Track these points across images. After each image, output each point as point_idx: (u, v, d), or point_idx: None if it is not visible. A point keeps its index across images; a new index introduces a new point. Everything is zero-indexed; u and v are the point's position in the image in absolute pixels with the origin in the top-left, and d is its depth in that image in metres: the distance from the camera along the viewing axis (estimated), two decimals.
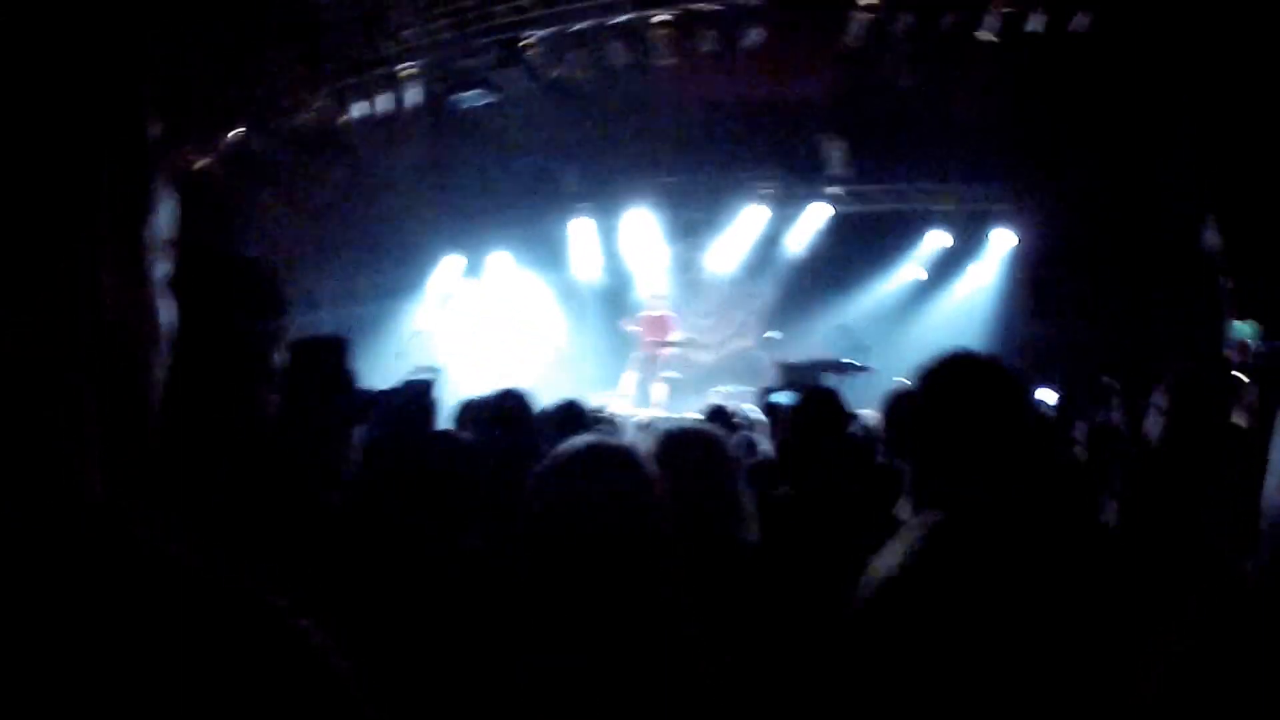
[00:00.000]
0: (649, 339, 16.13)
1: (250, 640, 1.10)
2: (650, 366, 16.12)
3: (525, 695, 2.36)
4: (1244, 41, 9.18)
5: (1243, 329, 10.34)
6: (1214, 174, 10.59)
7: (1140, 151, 11.97)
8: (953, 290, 16.48)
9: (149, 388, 1.10)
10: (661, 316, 16.30)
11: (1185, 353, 10.38)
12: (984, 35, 10.54)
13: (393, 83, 12.51)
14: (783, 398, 10.26)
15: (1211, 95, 10.03)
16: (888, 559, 1.77)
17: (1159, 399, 4.16)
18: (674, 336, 16.23)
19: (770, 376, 15.63)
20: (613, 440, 2.78)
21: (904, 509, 2.70)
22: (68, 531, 1.14)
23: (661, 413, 14.62)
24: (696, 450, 3.33)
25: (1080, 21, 9.92)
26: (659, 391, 15.92)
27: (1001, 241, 16.08)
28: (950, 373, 2.61)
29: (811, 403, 4.71)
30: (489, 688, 2.40)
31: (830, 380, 13.90)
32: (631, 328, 16.27)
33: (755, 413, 10.68)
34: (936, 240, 16.46)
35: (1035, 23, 10.16)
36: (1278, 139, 9.45)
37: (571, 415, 5.55)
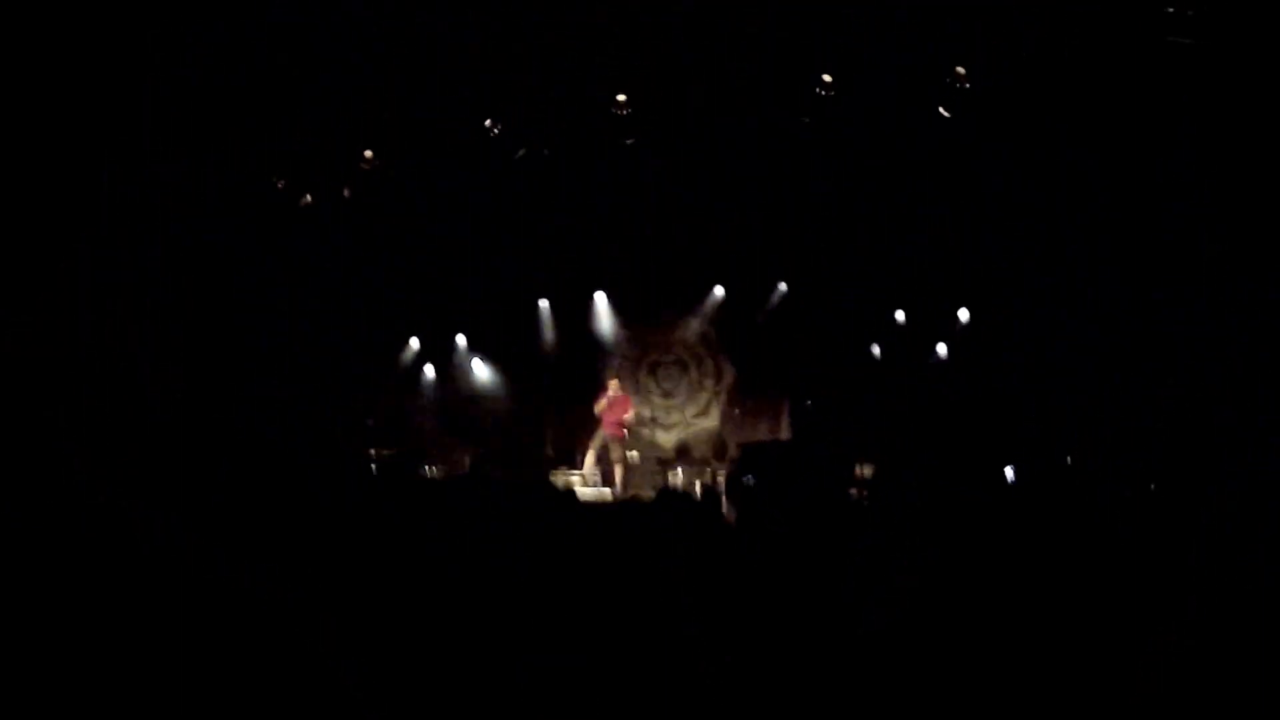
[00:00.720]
0: (608, 420, 16.19)
1: (250, 639, 1.16)
2: (610, 447, 16.16)
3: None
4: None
5: None
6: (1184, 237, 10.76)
7: (1091, 217, 12.17)
8: (916, 365, 16.50)
9: (149, 389, 1.16)
10: (619, 398, 16.38)
11: (1151, 429, 10.47)
12: (943, 112, 10.76)
13: (356, 167, 12.58)
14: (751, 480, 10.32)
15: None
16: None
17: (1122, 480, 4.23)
18: (630, 417, 16.30)
19: (733, 456, 15.69)
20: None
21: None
22: (68, 531, 1.17)
23: (620, 493, 14.65)
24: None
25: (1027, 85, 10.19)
26: (618, 472, 15.92)
27: (960, 316, 16.22)
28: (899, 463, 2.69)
29: (769, 480, 4.66)
30: (490, 687, 2.38)
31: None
32: (597, 409, 16.36)
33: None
34: (898, 316, 16.53)
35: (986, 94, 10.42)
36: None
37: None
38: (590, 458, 16.15)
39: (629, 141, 13.21)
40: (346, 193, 12.64)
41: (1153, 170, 10.38)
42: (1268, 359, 9.01)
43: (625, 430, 16.22)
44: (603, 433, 16.24)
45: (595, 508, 7.44)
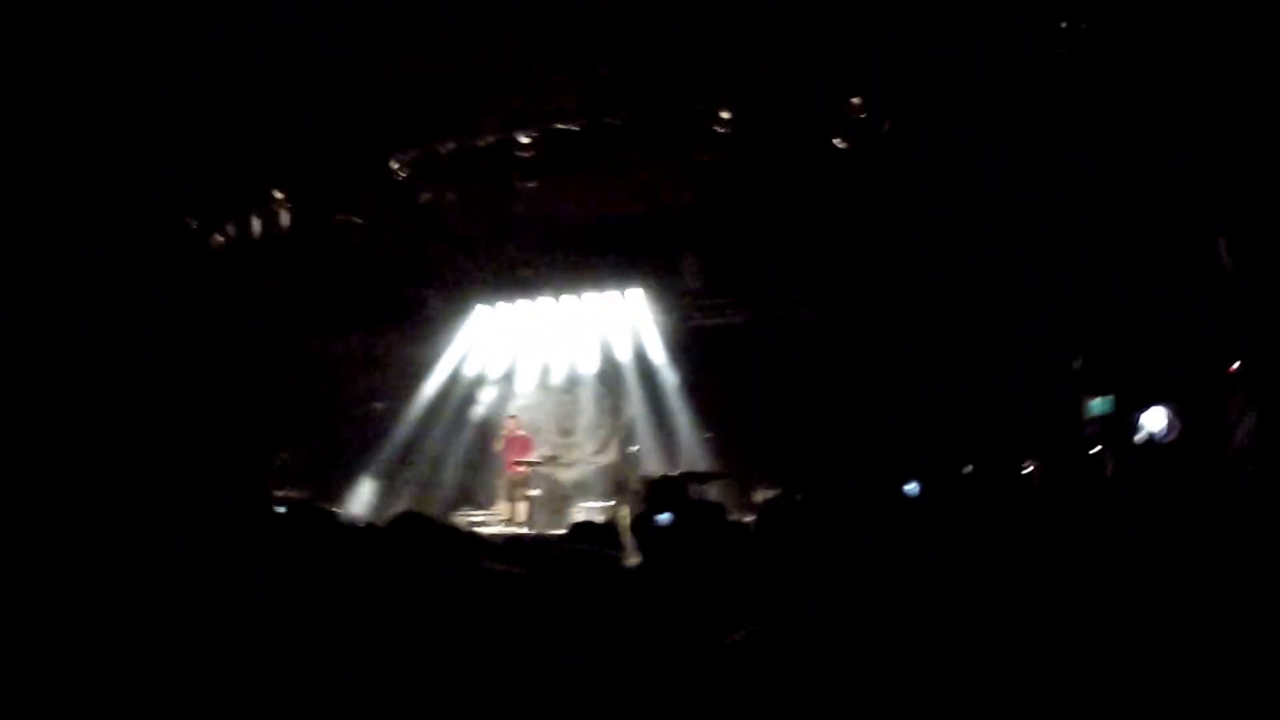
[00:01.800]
0: (510, 459, 16.41)
1: (250, 639, 1.11)
2: (513, 486, 16.36)
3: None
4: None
5: (1098, 405, 10.90)
6: (1062, 253, 11.09)
7: (976, 233, 12.47)
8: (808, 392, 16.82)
9: (148, 388, 1.05)
10: (521, 437, 16.61)
11: (1045, 436, 10.77)
12: (839, 143, 11.15)
13: (265, 205, 12.57)
14: (664, 518, 10.47)
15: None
16: None
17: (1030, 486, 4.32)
18: (533, 456, 16.50)
19: (635, 491, 15.88)
20: None
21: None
22: (67, 532, 1.16)
23: (525, 531, 14.75)
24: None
25: (935, 126, 10.56)
26: (520, 511, 16.14)
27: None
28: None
29: (695, 516, 4.85)
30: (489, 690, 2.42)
31: (695, 491, 14.22)
32: (496, 449, 16.52)
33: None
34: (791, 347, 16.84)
35: (888, 127, 10.79)
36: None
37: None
38: (502, 497, 16.37)
39: (529, 184, 13.44)
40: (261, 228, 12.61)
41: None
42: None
43: (525, 469, 16.45)
44: (505, 472, 16.49)
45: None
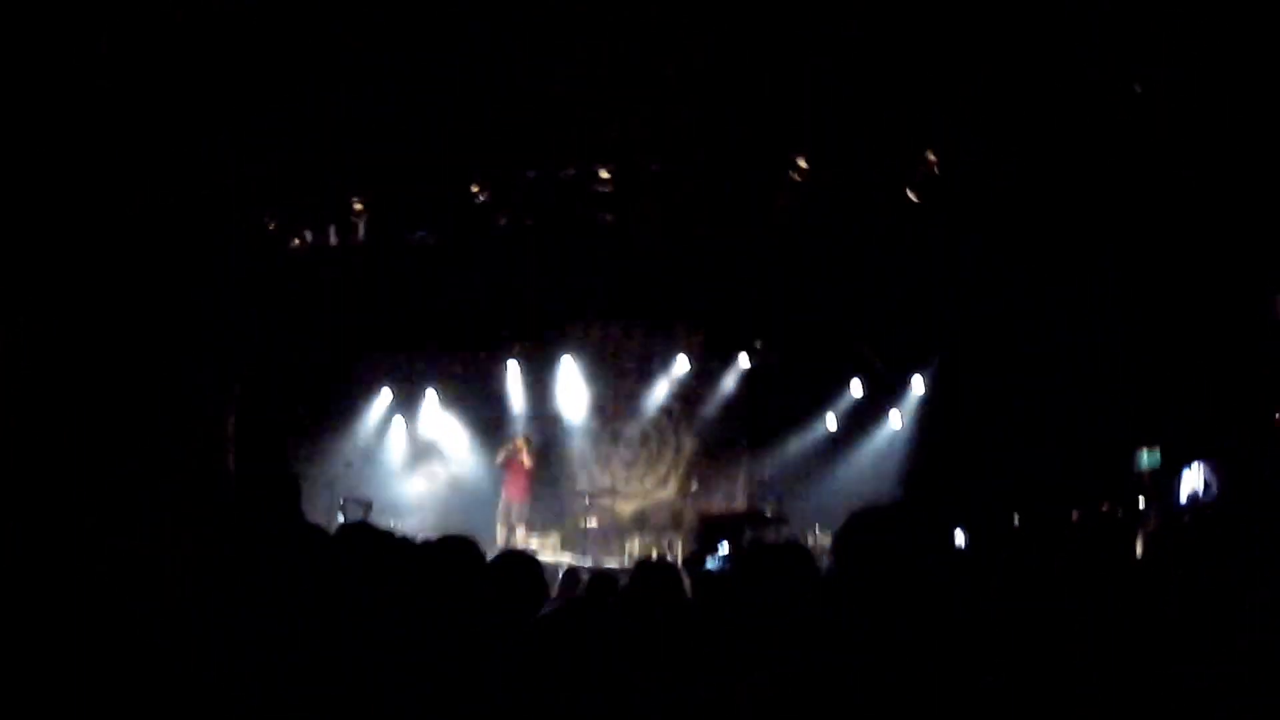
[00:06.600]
0: (511, 481, 16.34)
1: (246, 638, 1.14)
2: (512, 509, 16.22)
3: None
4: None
5: (1146, 459, 10.78)
6: (1124, 297, 10.98)
7: (1032, 284, 12.46)
8: (869, 438, 16.96)
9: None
10: (520, 463, 16.43)
11: (1093, 488, 10.71)
12: (911, 195, 11.17)
13: (343, 215, 12.81)
14: (714, 564, 10.67)
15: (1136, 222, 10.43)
16: None
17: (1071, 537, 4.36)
18: (594, 487, 16.63)
19: (691, 528, 15.95)
20: None
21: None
22: (67, 535, 1.23)
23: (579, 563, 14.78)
24: None
25: (1006, 177, 10.55)
26: (520, 535, 15.82)
27: (916, 388, 16.56)
28: (861, 528, 2.62)
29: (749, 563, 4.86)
30: None
31: (748, 533, 14.28)
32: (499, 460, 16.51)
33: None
34: (854, 390, 17.04)
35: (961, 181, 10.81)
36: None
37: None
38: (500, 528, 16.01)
39: (606, 217, 13.56)
40: (338, 239, 12.86)
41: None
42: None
43: (525, 498, 16.31)
44: (505, 499, 16.26)
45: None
